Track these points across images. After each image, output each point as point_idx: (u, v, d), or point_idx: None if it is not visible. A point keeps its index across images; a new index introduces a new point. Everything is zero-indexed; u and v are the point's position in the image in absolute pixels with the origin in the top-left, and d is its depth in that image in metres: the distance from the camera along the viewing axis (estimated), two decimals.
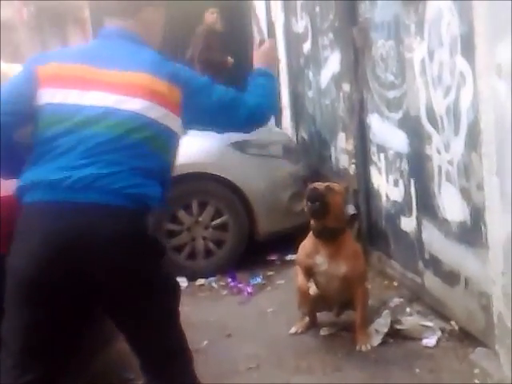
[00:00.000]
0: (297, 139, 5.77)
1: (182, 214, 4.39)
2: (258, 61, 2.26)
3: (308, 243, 3.33)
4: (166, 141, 2.00)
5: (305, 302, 3.35)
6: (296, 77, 5.70)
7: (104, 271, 1.89)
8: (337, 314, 3.50)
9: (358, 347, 3.21)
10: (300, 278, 3.32)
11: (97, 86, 1.95)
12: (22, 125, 2.00)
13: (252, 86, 2.17)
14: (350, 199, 4.25)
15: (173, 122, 2.00)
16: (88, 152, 1.90)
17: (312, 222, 3.30)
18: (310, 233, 3.34)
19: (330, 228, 3.24)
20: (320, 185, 3.31)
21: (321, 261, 3.26)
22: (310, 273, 3.31)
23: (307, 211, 3.27)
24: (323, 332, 3.45)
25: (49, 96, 1.96)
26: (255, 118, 2.13)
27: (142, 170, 1.93)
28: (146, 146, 1.94)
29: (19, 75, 2.05)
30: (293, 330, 3.48)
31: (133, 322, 1.97)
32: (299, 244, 3.44)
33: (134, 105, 1.93)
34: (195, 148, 4.20)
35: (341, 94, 4.57)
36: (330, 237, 3.24)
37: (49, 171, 1.89)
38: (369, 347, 3.20)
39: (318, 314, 3.51)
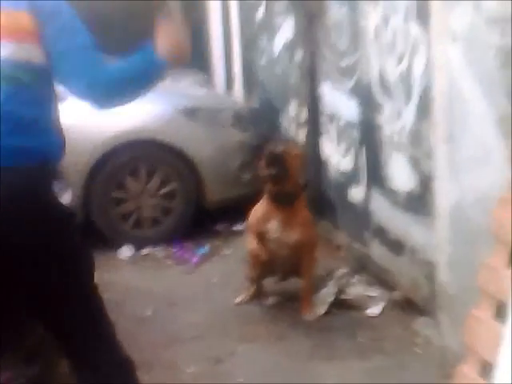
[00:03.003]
0: (247, 107, 5.68)
1: (128, 181, 4.28)
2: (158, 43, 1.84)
3: (261, 208, 3.27)
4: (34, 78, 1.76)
5: (256, 266, 3.30)
6: (248, 44, 5.60)
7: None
8: (282, 278, 3.47)
9: (303, 316, 3.20)
10: (251, 242, 3.26)
11: None
12: None
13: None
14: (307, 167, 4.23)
15: (23, 51, 1.74)
16: None
17: (269, 186, 3.22)
18: (264, 198, 3.28)
19: (287, 192, 3.17)
20: (278, 148, 3.23)
21: (273, 227, 3.21)
22: (260, 238, 3.24)
23: (265, 176, 3.19)
24: (269, 301, 3.43)
25: None
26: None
27: (22, 120, 1.70)
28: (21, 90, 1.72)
29: None
30: (238, 299, 3.44)
31: (37, 297, 1.78)
32: (247, 214, 3.38)
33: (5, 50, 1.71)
34: (143, 114, 4.10)
35: (293, 62, 4.51)
36: (285, 201, 3.19)
37: None
38: (314, 316, 3.20)
39: (263, 283, 3.47)
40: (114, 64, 1.84)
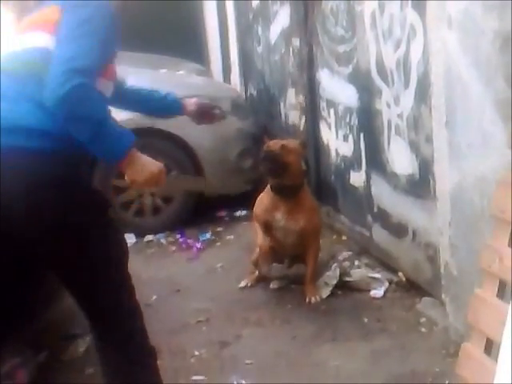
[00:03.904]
0: (245, 95, 5.70)
1: None
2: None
3: (266, 198, 3.32)
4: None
5: (265, 260, 3.32)
6: (245, 32, 5.60)
7: (25, 229, 1.76)
8: (288, 266, 3.53)
9: (307, 299, 3.25)
10: (260, 237, 3.32)
11: (27, 28, 1.92)
12: None
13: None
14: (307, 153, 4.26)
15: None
16: None
17: (270, 181, 3.29)
18: (268, 187, 3.33)
19: (288, 185, 3.23)
20: (275, 143, 3.29)
21: (279, 217, 3.27)
22: (267, 227, 3.31)
23: (263, 171, 3.24)
24: (273, 285, 3.47)
25: None
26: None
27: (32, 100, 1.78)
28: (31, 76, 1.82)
29: None
30: (242, 283, 3.50)
31: (74, 279, 1.90)
32: (248, 200, 3.44)
33: (36, 39, 1.86)
34: None
35: (290, 49, 4.52)
36: (287, 194, 3.25)
37: None
38: (318, 299, 3.25)
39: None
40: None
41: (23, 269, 1.90)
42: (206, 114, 2.49)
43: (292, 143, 3.35)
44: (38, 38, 1.87)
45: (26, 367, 2.51)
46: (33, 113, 1.77)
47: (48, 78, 1.72)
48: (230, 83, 6.07)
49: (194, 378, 2.68)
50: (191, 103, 2.43)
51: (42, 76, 1.75)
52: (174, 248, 4.15)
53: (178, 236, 4.25)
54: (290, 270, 3.56)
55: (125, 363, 1.96)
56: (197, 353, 2.86)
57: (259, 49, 5.26)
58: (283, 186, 3.24)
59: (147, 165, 1.85)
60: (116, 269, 1.92)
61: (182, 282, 3.61)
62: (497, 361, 1.73)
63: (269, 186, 3.32)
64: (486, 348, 1.82)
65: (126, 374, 1.97)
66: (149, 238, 4.28)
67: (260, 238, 3.32)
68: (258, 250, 3.37)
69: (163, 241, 4.24)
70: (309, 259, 3.32)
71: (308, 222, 3.27)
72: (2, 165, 1.74)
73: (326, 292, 3.29)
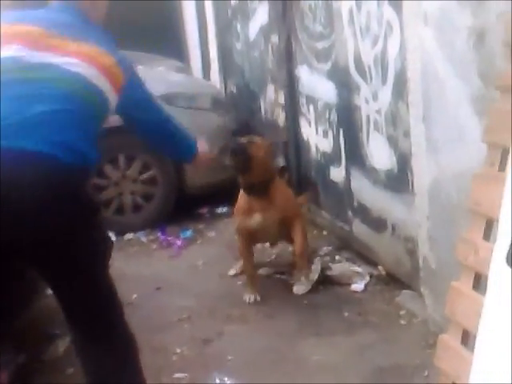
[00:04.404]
0: (225, 92, 5.70)
1: (108, 168, 4.29)
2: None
3: (241, 203, 3.34)
4: (102, 111, 2.03)
5: (253, 284, 3.33)
6: (224, 29, 5.60)
7: (29, 235, 1.81)
8: (271, 244, 3.60)
9: (296, 288, 3.27)
10: (243, 256, 3.37)
11: (46, 48, 1.99)
12: None
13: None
14: (279, 152, 4.27)
15: (111, 96, 2.03)
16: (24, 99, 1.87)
17: (239, 178, 3.30)
18: (241, 192, 3.34)
19: (257, 183, 3.24)
20: (244, 139, 3.31)
21: (257, 217, 3.28)
22: (250, 236, 3.34)
23: (231, 165, 3.25)
24: (260, 271, 3.51)
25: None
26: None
27: (80, 128, 1.91)
28: (86, 106, 1.95)
29: None
30: (232, 271, 3.53)
31: (64, 282, 1.94)
32: (229, 197, 3.45)
33: (81, 68, 1.97)
34: None
35: (269, 46, 4.54)
36: (258, 191, 3.25)
37: None
38: (303, 290, 3.26)
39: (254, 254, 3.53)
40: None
41: (2, 269, 1.90)
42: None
43: (260, 140, 3.37)
44: (82, 67, 1.96)
45: (6, 368, 2.50)
46: (53, 121, 1.86)
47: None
48: (209, 80, 6.06)
49: (177, 375, 2.68)
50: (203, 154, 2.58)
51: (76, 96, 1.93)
52: (155, 246, 4.15)
53: (159, 234, 4.24)
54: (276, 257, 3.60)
55: (107, 361, 1.98)
56: (179, 350, 2.86)
57: (238, 45, 5.27)
58: (252, 184, 3.24)
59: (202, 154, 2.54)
60: (103, 266, 1.99)
61: (164, 279, 3.60)
62: (473, 352, 1.76)
63: (242, 190, 3.33)
64: (462, 339, 1.85)
65: (109, 372, 1.99)
66: (129, 236, 4.26)
67: (243, 258, 3.37)
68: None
69: (144, 239, 4.24)
70: (296, 237, 3.32)
71: (285, 209, 3.30)
72: (17, 165, 1.78)
73: (308, 285, 3.30)
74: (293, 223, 3.34)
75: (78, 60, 1.96)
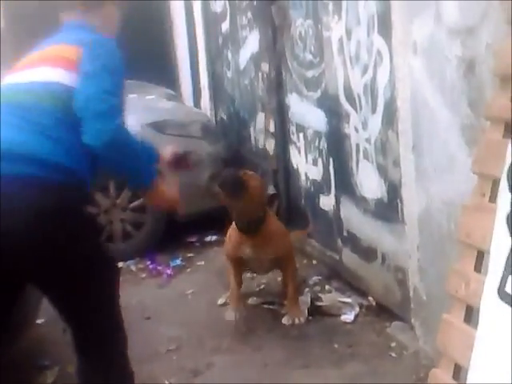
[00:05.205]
0: (216, 119, 5.71)
1: (98, 196, 4.26)
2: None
3: (233, 235, 3.31)
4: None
5: (236, 302, 3.34)
6: (214, 57, 5.63)
7: (28, 255, 1.82)
8: (265, 272, 3.57)
9: (290, 320, 3.24)
10: (231, 281, 3.35)
11: (30, 64, 2.04)
12: None
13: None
14: (269, 180, 4.26)
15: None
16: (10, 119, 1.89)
17: (231, 210, 3.23)
18: (233, 224, 3.30)
19: (249, 220, 3.19)
20: (236, 170, 3.29)
21: (248, 251, 3.26)
22: (239, 263, 3.33)
23: (222, 193, 3.12)
24: (249, 301, 3.49)
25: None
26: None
27: (68, 141, 1.89)
28: (64, 115, 1.91)
29: None
30: (221, 300, 3.49)
31: (67, 303, 1.95)
32: (218, 225, 3.42)
33: (49, 73, 1.96)
34: None
35: (260, 74, 4.55)
36: (251, 230, 3.21)
37: None
38: (302, 320, 3.23)
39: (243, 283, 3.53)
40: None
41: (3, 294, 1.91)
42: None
43: (253, 173, 3.34)
44: (51, 73, 1.96)
45: None
46: (42, 143, 1.85)
47: (86, 117, 1.86)
48: (200, 107, 6.07)
49: None
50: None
51: (57, 109, 1.89)
52: (144, 275, 4.10)
53: (149, 262, 4.20)
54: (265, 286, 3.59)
55: None
56: (167, 382, 2.83)
57: (229, 73, 5.29)
58: (244, 219, 3.20)
59: (166, 191, 2.12)
60: (110, 288, 2.02)
61: (153, 308, 3.56)
62: None
63: (234, 224, 3.30)
64: (454, 373, 1.81)
65: None
66: (120, 264, 4.21)
67: (231, 279, 3.35)
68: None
69: (133, 267, 4.19)
70: (287, 281, 3.32)
71: (278, 248, 3.27)
72: (7, 192, 1.78)
73: (302, 317, 3.25)
74: (284, 264, 3.33)
75: (46, 66, 1.98)
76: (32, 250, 1.81)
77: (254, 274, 3.69)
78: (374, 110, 3.05)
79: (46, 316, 2.91)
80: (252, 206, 3.16)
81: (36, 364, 2.93)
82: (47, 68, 1.98)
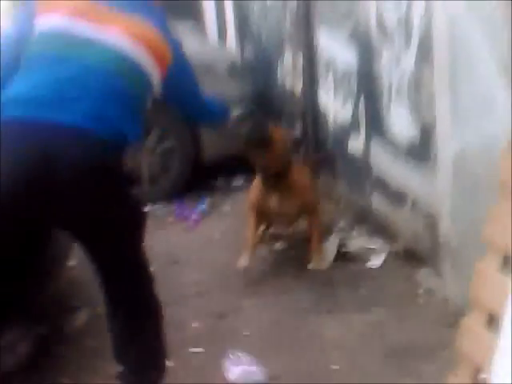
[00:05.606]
0: (242, 58, 5.56)
1: None
2: None
3: (256, 188, 3.26)
4: (144, 88, 2.03)
5: (250, 252, 3.26)
6: None
7: (66, 205, 1.87)
8: (289, 225, 3.52)
9: (313, 267, 3.21)
10: (250, 230, 3.29)
11: (90, 19, 2.00)
12: None
13: None
14: (295, 123, 4.16)
15: (155, 74, 2.04)
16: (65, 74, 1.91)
17: (255, 161, 3.16)
18: (257, 176, 3.25)
19: (275, 174, 3.13)
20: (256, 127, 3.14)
21: (273, 204, 3.21)
22: (261, 217, 3.29)
23: (248, 142, 3.03)
24: (276, 246, 3.47)
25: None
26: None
27: (119, 104, 1.94)
28: (127, 84, 1.97)
29: None
30: (241, 262, 3.39)
31: (100, 254, 2.02)
32: (245, 168, 3.35)
33: (125, 44, 1.97)
34: None
35: (287, 9, 4.38)
36: (277, 183, 3.16)
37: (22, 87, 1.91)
38: (323, 267, 3.21)
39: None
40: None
41: (31, 238, 1.95)
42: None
43: (278, 126, 3.29)
44: (125, 41, 1.98)
45: (27, 340, 2.53)
46: (92, 97, 1.90)
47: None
48: (225, 43, 5.93)
49: (192, 350, 2.67)
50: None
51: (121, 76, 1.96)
52: (170, 219, 4.09)
53: (175, 206, 4.18)
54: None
55: (131, 323, 2.08)
56: (194, 325, 2.85)
57: (255, 9, 5.11)
58: (271, 177, 3.14)
59: None
60: (134, 235, 2.08)
61: (180, 253, 3.57)
62: (497, 335, 1.67)
63: (258, 177, 3.24)
64: (487, 322, 1.76)
65: (131, 333, 2.08)
66: (146, 208, 4.21)
67: (249, 231, 3.29)
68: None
69: (160, 211, 4.17)
70: (312, 229, 3.29)
71: (304, 200, 3.23)
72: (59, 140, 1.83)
73: (326, 263, 3.25)
74: (309, 214, 3.29)
75: (122, 35, 1.97)
76: (72, 202, 1.87)
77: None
78: (407, 46, 2.89)
79: (77, 258, 2.92)
80: (276, 160, 3.10)
81: (68, 306, 2.98)
82: (124, 37, 1.97)
